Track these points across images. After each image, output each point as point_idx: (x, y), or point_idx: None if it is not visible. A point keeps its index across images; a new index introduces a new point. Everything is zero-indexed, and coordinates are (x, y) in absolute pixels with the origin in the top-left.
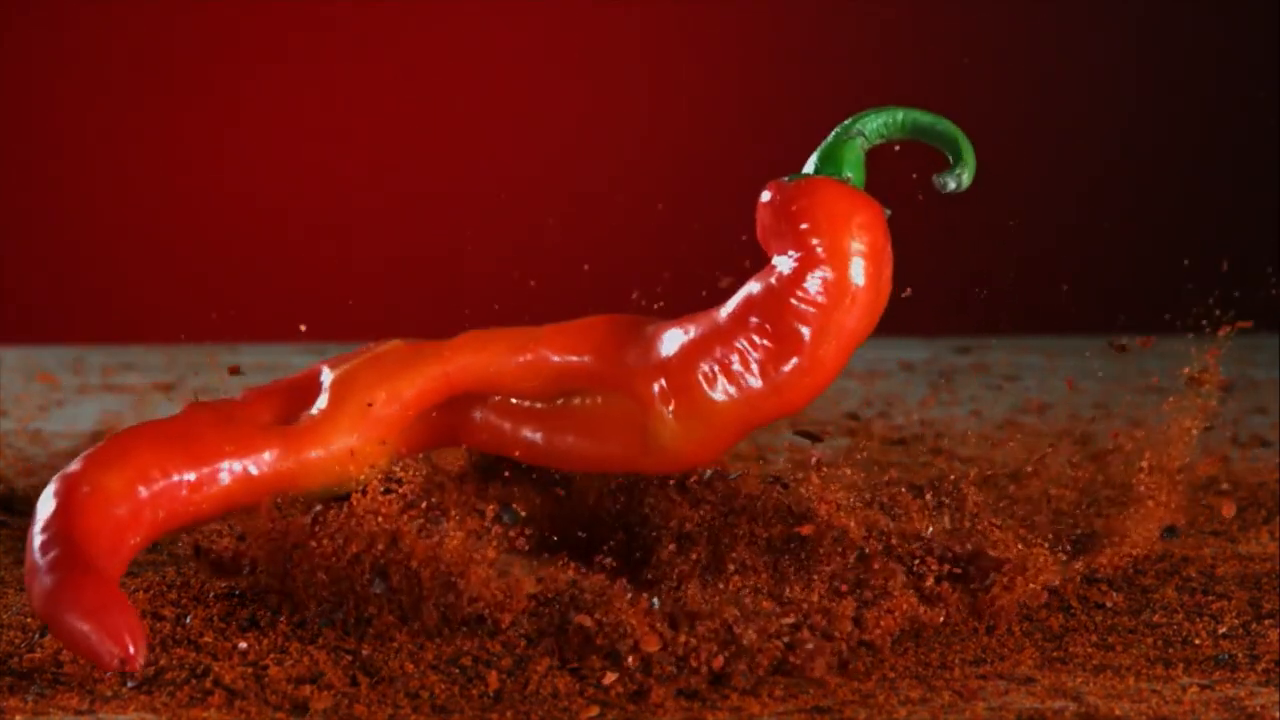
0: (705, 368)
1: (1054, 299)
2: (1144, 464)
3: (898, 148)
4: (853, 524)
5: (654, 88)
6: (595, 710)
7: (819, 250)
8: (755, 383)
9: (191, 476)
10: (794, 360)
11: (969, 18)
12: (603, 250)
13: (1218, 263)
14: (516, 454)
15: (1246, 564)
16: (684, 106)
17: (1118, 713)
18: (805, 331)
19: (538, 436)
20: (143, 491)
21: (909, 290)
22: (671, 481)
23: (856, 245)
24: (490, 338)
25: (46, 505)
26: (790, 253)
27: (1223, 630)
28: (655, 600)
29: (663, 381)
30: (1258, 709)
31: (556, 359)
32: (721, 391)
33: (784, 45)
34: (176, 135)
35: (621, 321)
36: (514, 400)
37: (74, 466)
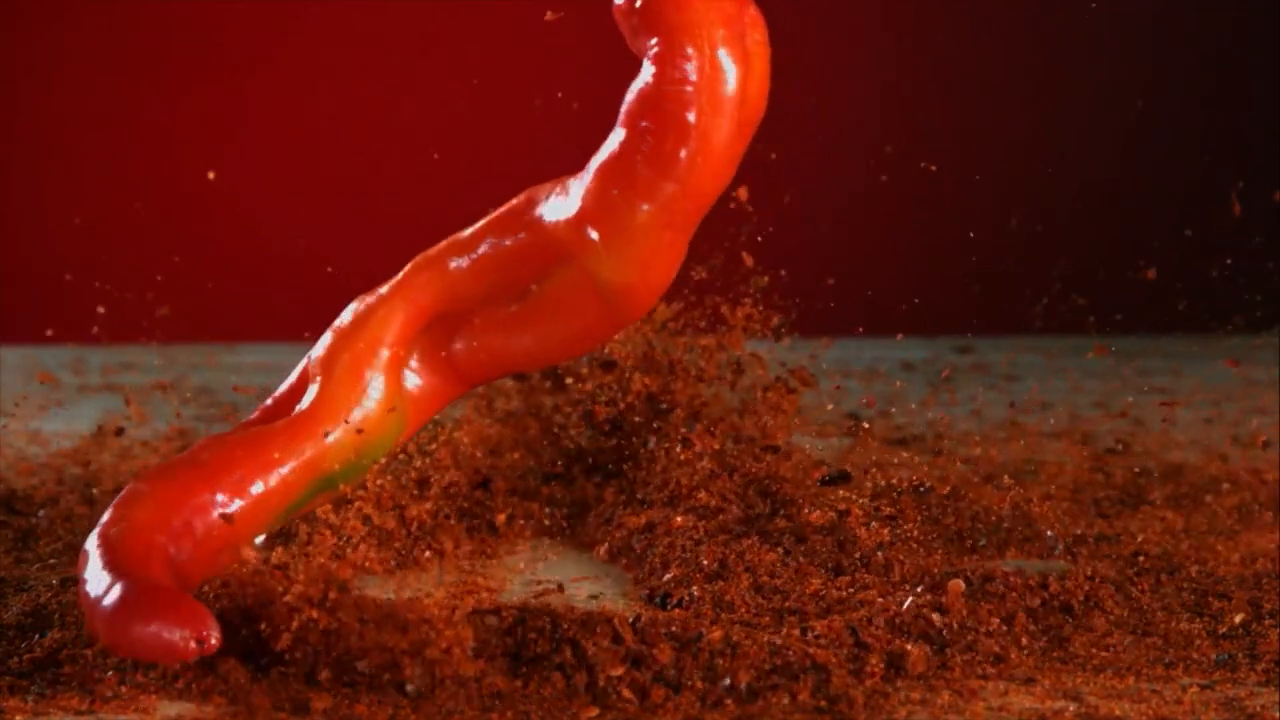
0: (615, 191)
1: (1053, 299)
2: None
3: None
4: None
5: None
6: (595, 710)
7: (673, 30)
8: (663, 183)
9: (221, 496)
10: (685, 147)
11: (971, 17)
12: None
13: (1219, 262)
14: (520, 365)
15: (1246, 564)
16: None
17: (1118, 713)
18: (687, 114)
19: (527, 340)
20: (175, 519)
21: (934, 168)
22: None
23: (707, 14)
24: (435, 254)
25: (86, 559)
26: (650, 44)
27: (1223, 630)
28: (662, 598)
29: (589, 226)
30: (1258, 709)
31: (505, 243)
32: (637, 206)
33: (782, 41)
34: (177, 136)
35: (540, 190)
36: (490, 315)
37: (103, 518)
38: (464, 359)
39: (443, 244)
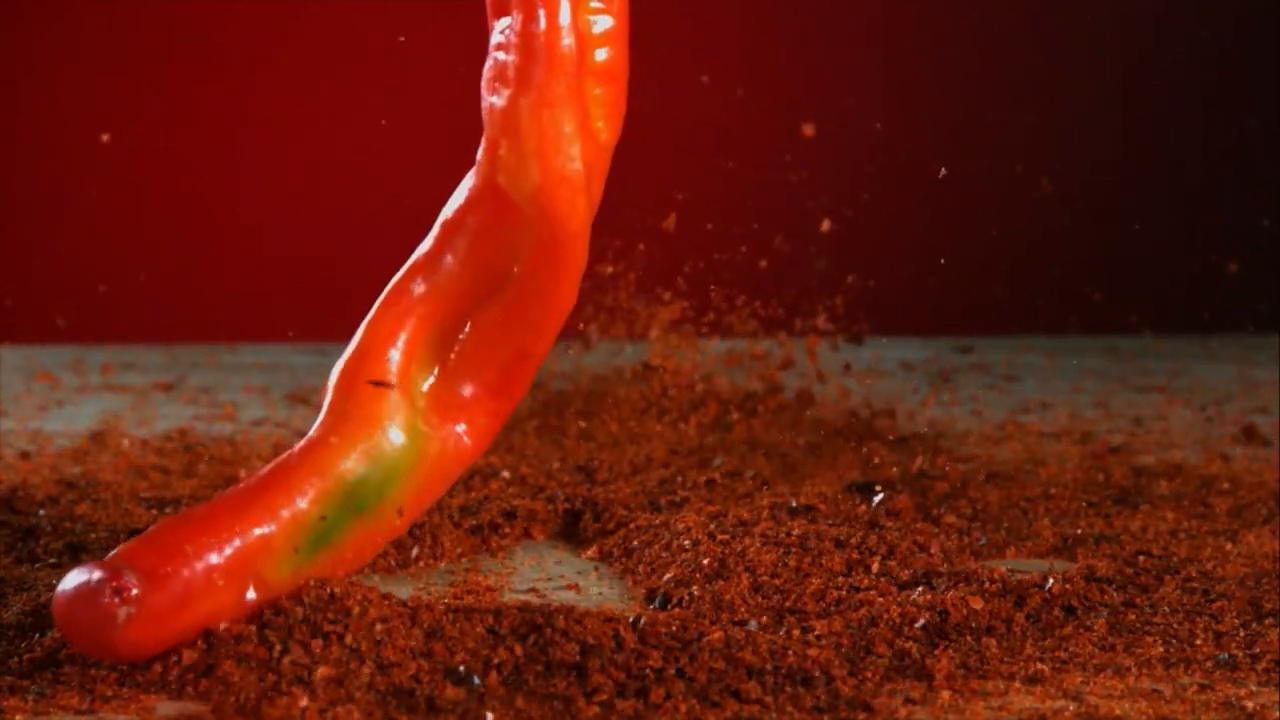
0: (497, 98)
1: (1054, 299)
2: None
3: None
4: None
5: (660, 90)
6: (595, 711)
7: None
8: (531, 67)
9: (230, 522)
10: (535, 22)
11: (972, 15)
12: (603, 248)
13: (1220, 264)
14: (535, 351)
15: (1246, 564)
16: (687, 112)
17: (1118, 712)
18: None
19: (528, 325)
20: (169, 538)
21: (943, 171)
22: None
23: None
24: (413, 267)
25: None
26: None
27: (1223, 630)
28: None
29: (493, 150)
30: (1258, 709)
31: (467, 225)
32: (518, 102)
33: (780, 38)
34: (178, 135)
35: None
36: (490, 316)
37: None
38: (492, 377)
39: (413, 259)
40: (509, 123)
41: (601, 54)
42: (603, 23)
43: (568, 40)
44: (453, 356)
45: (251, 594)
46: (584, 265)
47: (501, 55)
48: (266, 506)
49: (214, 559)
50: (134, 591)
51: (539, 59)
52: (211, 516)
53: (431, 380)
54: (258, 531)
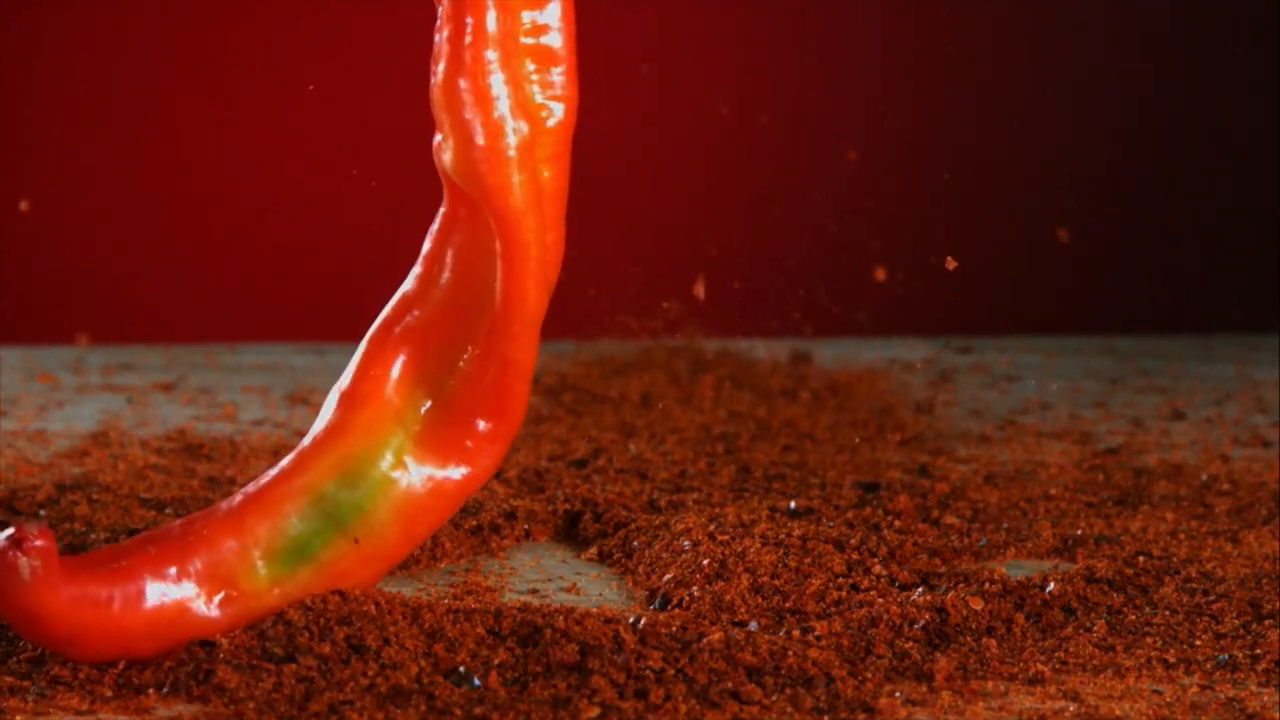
0: (434, 77)
1: (1054, 299)
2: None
3: None
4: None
5: (656, 91)
6: (595, 710)
7: None
8: (461, 43)
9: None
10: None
11: (971, 13)
12: (599, 251)
13: (1220, 264)
14: (527, 357)
15: (1246, 564)
16: (685, 113)
17: (1118, 713)
18: None
19: (508, 334)
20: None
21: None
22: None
23: None
24: (407, 293)
25: None
26: None
27: (1223, 630)
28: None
29: (438, 136)
30: (1258, 709)
31: (453, 241)
32: (454, 80)
33: (781, 37)
34: (177, 135)
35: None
36: (483, 338)
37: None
38: (486, 392)
39: (406, 285)
40: (443, 97)
41: (541, 33)
42: (546, 7)
43: (492, 14)
44: (453, 381)
45: (222, 598)
46: (537, 255)
47: (438, 36)
48: (241, 515)
49: (178, 558)
50: (38, 542)
51: (464, 31)
52: (187, 523)
53: (429, 406)
54: (230, 537)
